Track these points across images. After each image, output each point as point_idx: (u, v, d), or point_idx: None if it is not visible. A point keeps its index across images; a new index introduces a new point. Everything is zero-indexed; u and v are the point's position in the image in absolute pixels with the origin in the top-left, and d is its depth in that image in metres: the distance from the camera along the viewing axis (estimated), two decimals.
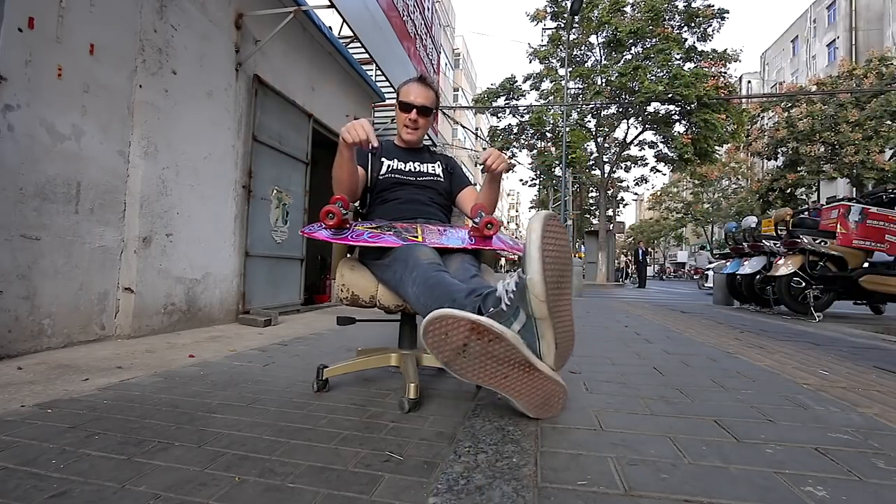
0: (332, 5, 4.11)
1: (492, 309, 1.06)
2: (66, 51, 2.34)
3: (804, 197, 20.35)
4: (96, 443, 1.07)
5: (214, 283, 3.40)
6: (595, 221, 24.40)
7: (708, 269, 12.37)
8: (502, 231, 1.60)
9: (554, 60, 18.25)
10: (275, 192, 4.20)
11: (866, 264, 4.35)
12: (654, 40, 16.16)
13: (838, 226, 4.28)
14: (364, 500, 0.82)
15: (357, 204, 1.76)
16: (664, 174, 30.55)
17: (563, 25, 17.14)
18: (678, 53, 15.99)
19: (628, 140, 18.79)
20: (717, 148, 17.02)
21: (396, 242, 1.37)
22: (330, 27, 5.14)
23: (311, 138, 4.82)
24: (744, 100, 20.42)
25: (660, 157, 19.19)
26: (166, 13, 2.91)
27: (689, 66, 15.96)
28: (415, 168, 1.73)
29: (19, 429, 1.16)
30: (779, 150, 19.21)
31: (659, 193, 36.63)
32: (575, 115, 17.52)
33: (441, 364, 1.02)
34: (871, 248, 4.23)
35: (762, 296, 5.18)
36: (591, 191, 26.96)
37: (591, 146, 19.33)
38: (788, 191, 19.68)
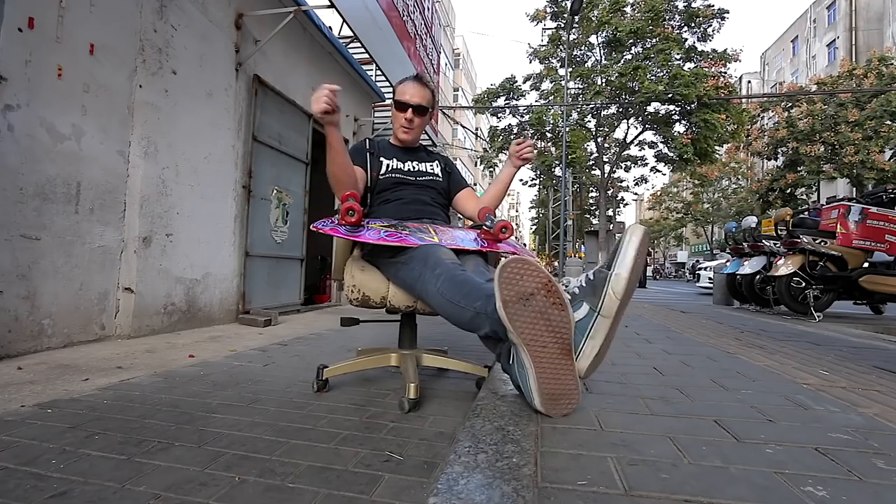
0: (332, 5, 4.11)
1: None
2: (66, 51, 2.34)
3: (804, 197, 20.34)
4: (96, 443, 1.07)
5: (214, 283, 3.40)
6: (595, 221, 24.40)
7: (701, 268, 12.35)
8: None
9: (554, 60, 18.24)
10: (275, 192, 4.20)
11: (866, 264, 4.35)
12: (654, 40, 16.15)
13: (838, 226, 4.28)
14: (364, 500, 0.82)
15: None
16: (664, 174, 30.58)
17: (563, 25, 17.12)
18: (678, 53, 15.97)
19: (628, 140, 18.78)
20: (717, 148, 17.00)
21: (417, 242, 1.37)
22: (330, 27, 5.14)
23: (311, 138, 4.82)
24: (744, 100, 20.40)
25: (660, 157, 19.18)
26: (166, 13, 2.91)
27: (689, 66, 15.95)
28: (414, 168, 1.72)
29: (19, 429, 1.16)
30: (779, 150, 19.20)
31: (659, 193, 36.62)
32: (575, 115, 17.52)
33: (499, 302, 0.99)
34: (871, 248, 4.22)
35: (762, 296, 5.18)
36: (591, 191, 26.94)
37: (591, 146, 19.32)
38: (788, 191, 19.67)
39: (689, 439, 0.95)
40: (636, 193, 33.97)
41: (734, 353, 2.11)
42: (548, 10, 17.85)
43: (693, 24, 16.54)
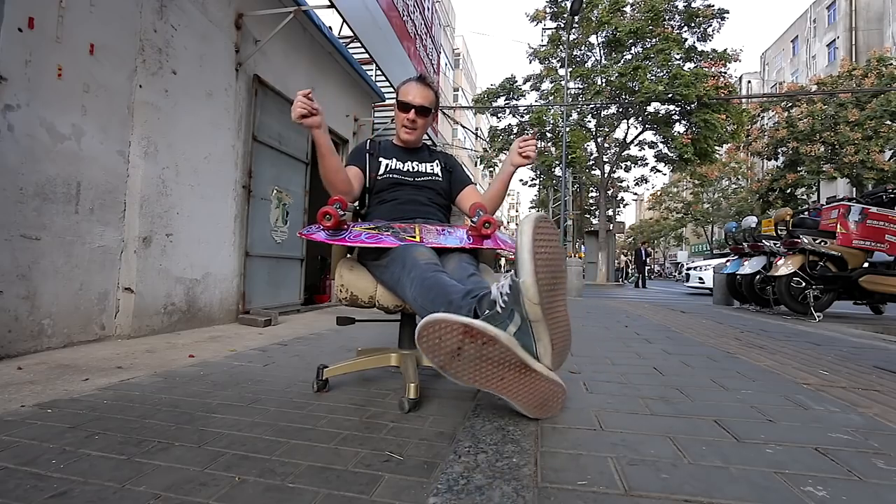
0: (332, 5, 4.11)
1: (487, 311, 1.06)
2: (66, 51, 2.34)
3: (804, 197, 20.34)
4: (96, 443, 1.07)
5: (214, 283, 3.40)
6: (595, 221, 24.40)
7: (690, 268, 12.27)
8: (502, 230, 1.60)
9: (554, 61, 18.25)
10: (275, 192, 4.20)
11: (866, 264, 4.35)
12: (654, 40, 16.16)
13: (838, 226, 4.28)
14: (364, 500, 0.82)
15: (356, 204, 1.76)
16: (664, 174, 30.57)
17: (563, 26, 17.13)
18: (678, 53, 15.99)
19: (628, 140, 18.79)
20: (717, 148, 17.02)
21: (394, 243, 1.37)
22: (330, 27, 5.14)
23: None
24: (744, 100, 20.40)
25: (660, 157, 19.19)
26: (166, 13, 2.91)
27: (689, 66, 15.96)
28: (413, 168, 1.72)
29: (19, 429, 1.16)
30: (779, 150, 19.21)
31: (659, 193, 36.62)
32: (575, 115, 17.53)
33: (437, 368, 1.02)
34: (871, 248, 4.22)
35: (762, 296, 5.18)
36: (591, 191, 26.95)
37: (591, 146, 19.34)
38: (788, 191, 19.68)
39: (689, 439, 0.95)
40: (636, 193, 34.02)
41: (734, 353, 2.11)
42: (548, 10, 17.86)
43: (693, 24, 16.55)
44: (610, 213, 23.85)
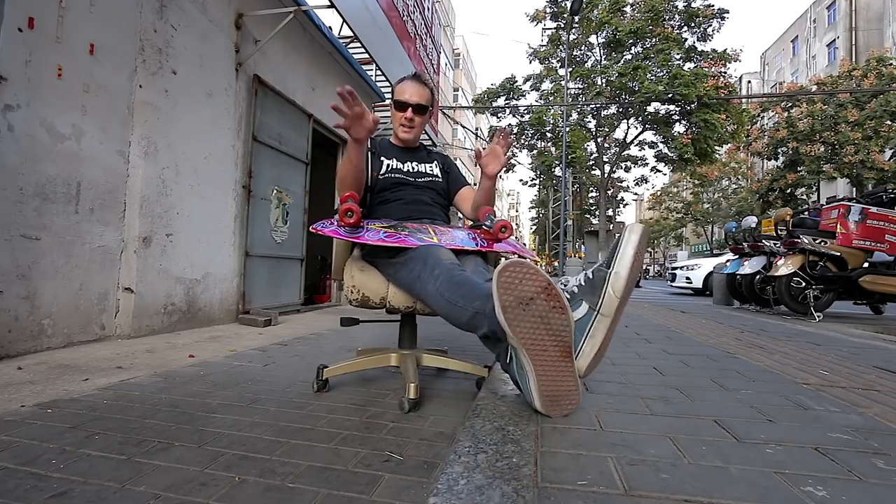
0: (332, 5, 4.11)
1: None
2: (66, 51, 2.34)
3: (804, 197, 20.34)
4: (96, 443, 1.07)
5: (214, 283, 3.40)
6: (595, 221, 24.39)
7: (676, 268, 11.56)
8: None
9: (554, 61, 18.24)
10: (275, 192, 4.20)
11: (866, 264, 4.35)
12: (653, 40, 16.16)
13: (838, 226, 4.28)
14: (364, 500, 0.82)
15: None
16: (664, 174, 30.56)
17: (562, 26, 17.13)
18: (678, 53, 15.98)
19: (628, 140, 18.79)
20: (717, 148, 17.01)
21: (416, 243, 1.36)
22: (330, 27, 5.14)
23: (311, 138, 4.82)
24: (744, 100, 20.40)
25: (660, 157, 19.18)
26: (166, 13, 2.91)
27: (689, 66, 15.95)
28: (413, 168, 1.72)
29: (19, 429, 1.16)
30: (779, 150, 19.20)
31: (659, 193, 36.61)
32: (575, 115, 17.53)
33: (498, 307, 0.98)
34: (871, 248, 4.22)
35: (762, 296, 5.18)
36: (591, 191, 26.94)
37: (591, 146, 19.33)
38: (788, 191, 19.67)
39: (689, 439, 0.95)
40: (636, 193, 33.98)
41: (734, 353, 2.11)
42: (548, 10, 17.85)
43: (693, 24, 16.54)
44: (610, 213, 23.85)
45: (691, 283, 10.44)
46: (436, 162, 1.80)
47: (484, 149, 1.56)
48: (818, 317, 4.16)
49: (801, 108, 18.14)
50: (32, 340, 2.18)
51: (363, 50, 5.28)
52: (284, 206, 4.38)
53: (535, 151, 19.10)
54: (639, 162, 21.71)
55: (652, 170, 21.69)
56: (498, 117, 19.36)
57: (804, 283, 4.34)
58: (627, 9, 16.82)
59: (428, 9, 8.02)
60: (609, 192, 22.78)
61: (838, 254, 4.27)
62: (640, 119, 17.71)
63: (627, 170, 23.06)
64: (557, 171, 18.47)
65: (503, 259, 1.13)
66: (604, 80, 16.68)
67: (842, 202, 4.44)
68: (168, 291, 2.95)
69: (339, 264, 1.56)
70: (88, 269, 2.48)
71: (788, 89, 21.17)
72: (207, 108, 3.31)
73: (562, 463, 0.82)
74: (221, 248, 3.49)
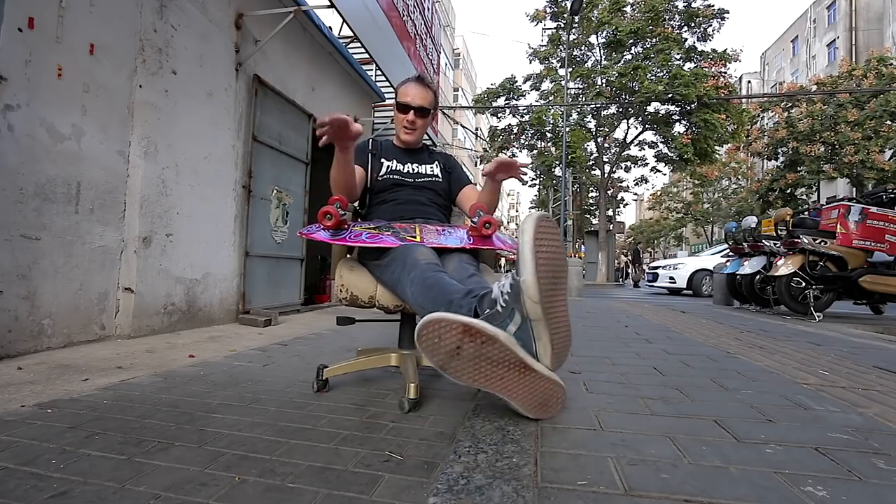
0: (332, 5, 4.11)
1: (487, 310, 1.06)
2: (66, 51, 2.34)
3: (804, 197, 20.34)
4: (96, 443, 1.07)
5: (214, 283, 3.40)
6: (595, 221, 24.40)
7: (658, 267, 11.03)
8: (502, 230, 1.60)
9: (554, 61, 18.25)
10: (275, 192, 4.20)
11: (866, 264, 4.35)
12: (654, 40, 16.17)
13: (838, 226, 4.28)
14: (364, 500, 0.82)
15: (356, 204, 1.76)
16: (664, 174, 30.56)
17: (563, 26, 17.14)
18: (678, 53, 15.99)
19: (628, 140, 18.80)
20: (717, 148, 17.02)
21: (394, 243, 1.37)
22: (330, 27, 5.14)
23: (311, 138, 4.82)
24: (744, 100, 20.40)
25: (660, 157, 19.19)
26: (166, 13, 2.91)
27: (689, 66, 15.96)
28: (413, 170, 1.72)
29: (19, 429, 1.16)
30: (779, 150, 19.21)
31: (659, 193, 36.61)
32: (575, 115, 17.53)
33: (437, 368, 1.02)
34: (871, 248, 4.22)
35: (762, 296, 5.18)
36: (591, 191, 26.94)
37: (591, 146, 19.34)
38: (788, 191, 19.67)
39: (689, 439, 0.95)
40: (636, 193, 33.97)
41: (734, 353, 2.11)
42: (548, 10, 17.86)
43: (693, 24, 16.55)
44: (610, 213, 23.85)
45: (675, 283, 10.12)
46: (437, 162, 1.80)
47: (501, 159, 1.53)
48: (818, 317, 4.16)
49: (801, 108, 18.14)
50: (32, 340, 2.18)
51: (363, 50, 5.28)
52: (284, 206, 4.38)
53: (535, 151, 19.11)
54: (639, 162, 21.73)
55: (652, 170, 21.71)
56: (498, 117, 19.36)
57: (804, 283, 4.34)
58: (627, 9, 16.83)
59: (428, 9, 8.02)
60: (609, 192, 22.78)
61: (838, 254, 4.27)
62: (640, 119, 17.72)
63: (627, 170, 23.07)
64: (557, 171, 18.47)
65: (502, 260, 1.13)
66: (604, 80, 16.69)
67: (842, 202, 4.44)
68: (168, 291, 2.95)
69: (335, 265, 1.57)
70: (88, 269, 2.47)
71: (788, 89, 21.16)
72: (207, 108, 3.31)
73: (562, 463, 0.82)
74: (221, 248, 3.49)
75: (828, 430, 1.01)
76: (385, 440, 1.11)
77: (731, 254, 5.11)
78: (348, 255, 1.65)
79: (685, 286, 9.90)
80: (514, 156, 19.21)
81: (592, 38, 17.66)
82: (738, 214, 25.27)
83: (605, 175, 19.38)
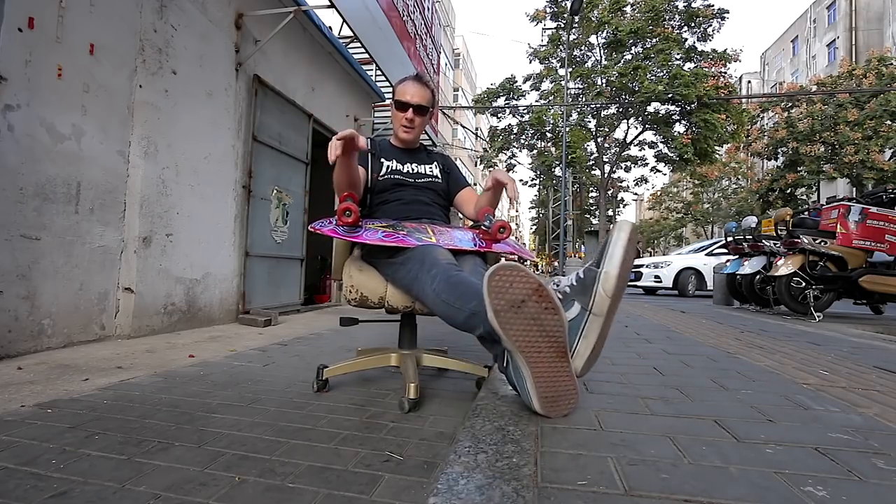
0: (332, 5, 4.11)
1: None
2: (66, 51, 2.34)
3: (804, 197, 20.34)
4: (96, 443, 1.07)
5: (214, 283, 3.40)
6: (595, 221, 24.40)
7: (642, 265, 10.34)
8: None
9: (554, 61, 18.24)
10: (275, 192, 4.20)
11: (866, 264, 4.35)
12: (654, 40, 16.16)
13: (838, 226, 4.28)
14: (364, 500, 0.82)
15: None
16: (664, 174, 30.56)
17: (563, 26, 17.13)
18: (678, 53, 15.98)
19: (628, 140, 18.79)
20: (717, 148, 17.01)
21: (415, 243, 1.37)
22: (330, 27, 5.14)
23: (311, 138, 4.82)
24: (744, 100, 20.40)
25: (660, 157, 19.18)
26: (166, 13, 2.91)
27: (689, 66, 15.95)
28: (413, 169, 1.72)
29: (19, 429, 1.16)
30: (779, 151, 19.20)
31: (659, 193, 36.60)
32: (575, 115, 17.52)
33: (490, 311, 0.99)
34: (871, 248, 4.22)
35: (762, 296, 5.18)
36: (591, 191, 26.95)
37: (591, 146, 19.33)
38: (788, 191, 19.67)
39: (689, 439, 0.94)
40: (636, 193, 33.96)
41: (734, 353, 2.11)
42: (548, 10, 17.85)
43: (693, 24, 16.54)
44: (610, 213, 23.86)
45: (661, 282, 9.66)
46: (436, 163, 1.80)
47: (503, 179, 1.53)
48: (818, 317, 4.16)
49: (801, 109, 18.14)
50: (32, 340, 2.18)
51: (363, 50, 5.29)
52: (284, 206, 4.38)
53: (535, 151, 19.11)
54: (639, 162, 21.71)
55: (652, 170, 21.69)
56: (498, 117, 19.36)
57: (804, 283, 4.34)
58: (627, 9, 16.82)
59: (428, 9, 8.02)
60: (609, 192, 22.79)
61: (838, 254, 4.27)
62: (640, 119, 17.71)
63: (627, 170, 23.06)
64: (557, 171, 18.47)
65: (503, 259, 1.13)
66: (604, 81, 16.68)
67: (842, 202, 4.44)
68: (168, 291, 2.95)
69: (338, 264, 1.56)
70: (88, 269, 2.47)
71: (788, 89, 21.17)
72: (207, 108, 3.31)
73: (562, 463, 0.82)
74: (221, 248, 3.49)
75: (828, 431, 1.01)
76: (385, 440, 1.11)
77: (718, 251, 5.08)
78: (353, 254, 1.64)
79: (671, 285, 9.57)
80: (513, 156, 19.22)
81: (592, 38, 17.65)
82: (738, 214, 25.27)
83: (605, 175, 19.38)
